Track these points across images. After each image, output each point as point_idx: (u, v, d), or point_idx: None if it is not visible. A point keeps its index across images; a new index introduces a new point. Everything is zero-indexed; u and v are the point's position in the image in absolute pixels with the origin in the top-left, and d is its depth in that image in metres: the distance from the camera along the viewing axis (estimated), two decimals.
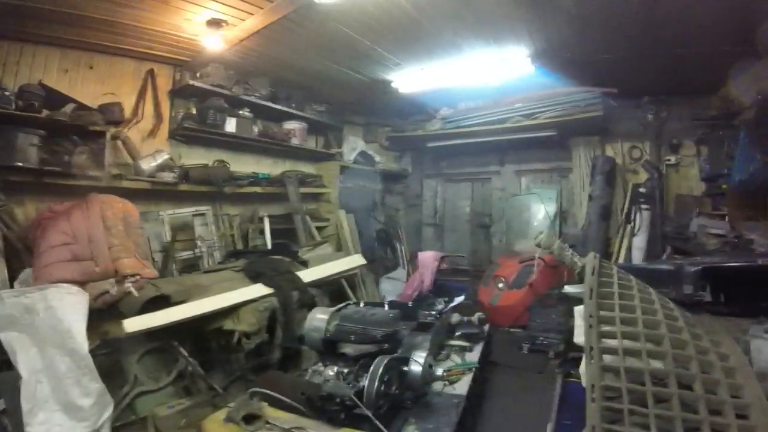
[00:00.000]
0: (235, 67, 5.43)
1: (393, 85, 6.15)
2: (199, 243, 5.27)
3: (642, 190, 6.39)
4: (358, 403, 2.52)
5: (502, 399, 4.18)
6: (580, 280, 2.32)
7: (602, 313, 1.62)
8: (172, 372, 4.02)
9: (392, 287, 6.92)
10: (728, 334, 1.56)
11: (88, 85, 4.62)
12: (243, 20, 4.12)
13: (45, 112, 3.98)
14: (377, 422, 2.41)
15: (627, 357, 1.48)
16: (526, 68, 5.39)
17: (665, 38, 4.60)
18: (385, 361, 2.79)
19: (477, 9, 4.17)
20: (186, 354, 4.00)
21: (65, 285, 3.49)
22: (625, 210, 6.45)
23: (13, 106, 3.76)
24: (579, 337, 1.86)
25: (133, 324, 3.62)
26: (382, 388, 2.69)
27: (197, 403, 3.88)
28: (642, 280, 2.00)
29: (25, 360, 3.28)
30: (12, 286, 3.69)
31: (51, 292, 3.37)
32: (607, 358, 1.51)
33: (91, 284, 3.72)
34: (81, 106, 4.29)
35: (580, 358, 2.71)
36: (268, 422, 2.24)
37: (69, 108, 4.17)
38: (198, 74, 5.19)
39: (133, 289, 3.83)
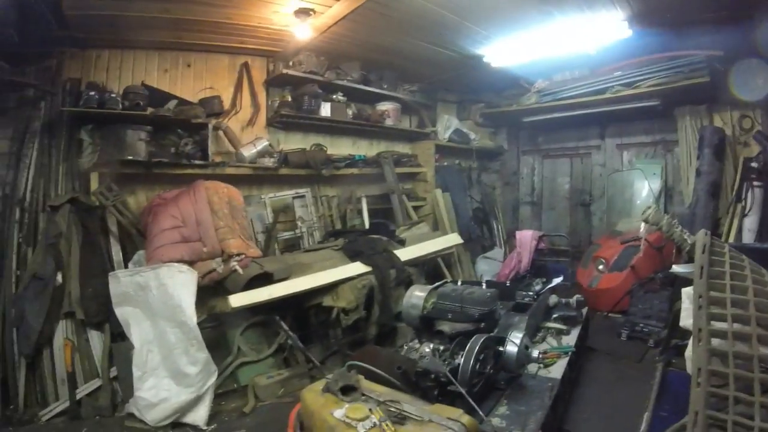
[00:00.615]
0: (326, 53, 5.55)
1: (485, 59, 5.99)
2: (299, 224, 5.53)
3: (754, 164, 5.66)
4: (453, 380, 2.53)
5: (596, 387, 3.97)
6: (690, 260, 2.20)
7: (712, 293, 1.52)
8: (273, 345, 4.33)
9: (489, 267, 6.86)
10: None
11: (187, 82, 4.99)
12: (330, 7, 4.20)
13: (150, 110, 4.33)
14: (470, 400, 2.42)
15: (736, 342, 1.40)
16: (623, 33, 5.02)
17: None
18: (482, 340, 2.79)
19: None
20: (287, 328, 4.26)
21: (176, 264, 3.84)
22: (736, 187, 5.78)
23: (120, 107, 4.13)
24: (686, 320, 1.76)
25: (239, 300, 3.92)
26: (477, 366, 2.70)
27: (295, 374, 4.18)
28: (756, 260, 1.86)
29: (138, 332, 3.71)
30: (126, 267, 4.10)
31: (163, 271, 3.74)
32: (716, 342, 1.43)
33: (200, 263, 4.05)
34: (182, 102, 4.64)
35: (683, 346, 2.58)
36: (363, 394, 2.31)
37: (172, 104, 4.52)
38: (291, 63, 5.36)
39: (238, 268, 4.12)
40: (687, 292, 1.82)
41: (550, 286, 4.49)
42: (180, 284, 3.70)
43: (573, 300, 4.34)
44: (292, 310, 4.41)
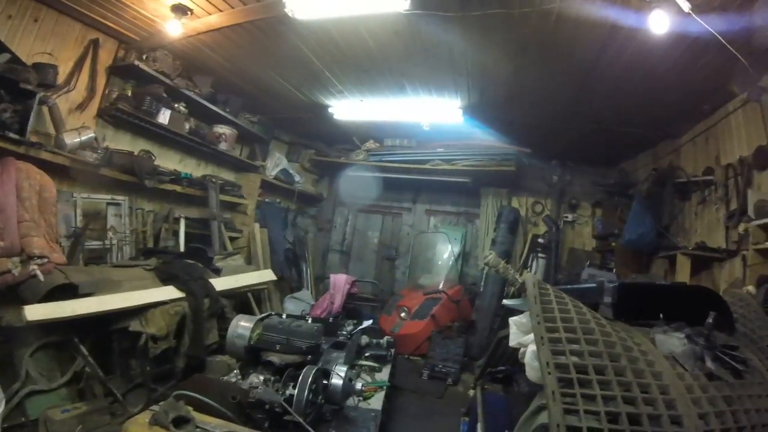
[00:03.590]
0: (183, 59, 5.31)
1: (330, 110, 6.34)
2: (110, 234, 4.96)
3: (540, 240, 7.26)
4: (289, 409, 2.57)
5: (407, 420, 4.41)
6: (518, 295, 2.68)
7: (545, 315, 1.93)
8: (68, 372, 3.69)
9: (295, 307, 6.89)
10: (642, 334, 1.99)
11: (27, 38, 4.24)
12: (209, 14, 4.12)
13: None
14: (309, 428, 2.48)
15: (568, 344, 1.79)
16: (456, 118, 5.90)
17: (582, 113, 5.29)
18: (313, 372, 2.88)
19: (431, 59, 4.53)
20: (86, 353, 3.71)
21: None
22: (524, 257, 7.20)
23: None
24: (515, 341, 2.16)
25: (36, 312, 3.30)
26: (310, 396, 2.78)
27: (95, 408, 3.59)
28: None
29: None
30: None
31: None
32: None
33: None
34: (15, 59, 3.92)
35: (499, 371, 3.05)
36: (198, 426, 2.19)
37: (3, 58, 3.80)
38: (144, 56, 4.98)
39: (39, 273, 3.51)
40: (514, 320, 2.23)
41: (361, 327, 4.76)
42: None
43: (384, 341, 4.70)
44: (92, 332, 3.85)
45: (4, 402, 3.00)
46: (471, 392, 3.78)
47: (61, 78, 4.48)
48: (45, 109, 4.29)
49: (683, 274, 4.41)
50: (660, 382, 1.65)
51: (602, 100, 4.90)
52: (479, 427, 2.57)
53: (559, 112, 5.41)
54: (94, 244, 4.83)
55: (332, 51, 4.59)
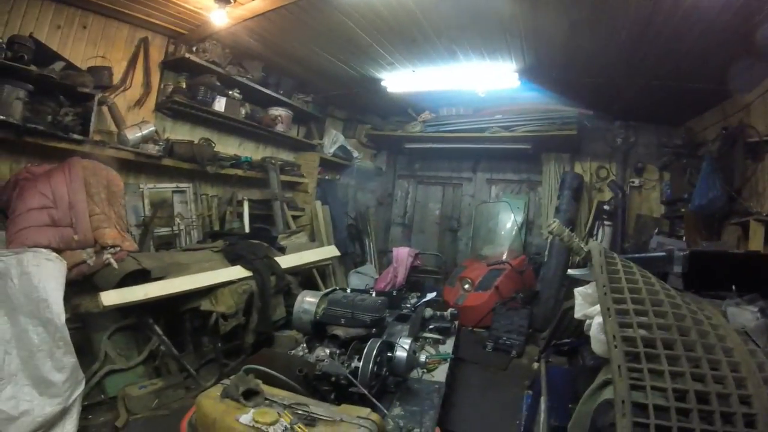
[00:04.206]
0: (231, 47, 5.39)
1: (383, 83, 6.25)
2: (177, 220, 5.20)
3: (606, 207, 6.86)
4: (355, 381, 2.59)
5: (470, 392, 4.42)
6: (583, 265, 2.58)
7: (613, 284, 1.84)
8: (144, 351, 3.93)
9: (360, 281, 7.00)
10: (713, 306, 1.86)
11: (79, 45, 4.44)
12: (252, 0, 4.12)
13: (33, 68, 3.72)
14: (373, 399, 2.49)
15: (636, 316, 1.69)
16: (513, 82, 5.65)
17: (642, 68, 4.92)
18: (378, 344, 2.88)
19: (481, 22, 4.35)
20: (161, 333, 3.93)
21: (43, 250, 3.31)
22: (589, 225, 6.86)
23: (2, 56, 3.51)
24: (580, 312, 2.08)
25: (112, 297, 3.51)
26: (375, 369, 2.78)
27: (169, 384, 3.85)
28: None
29: None
30: None
31: (27, 257, 3.17)
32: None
33: (68, 252, 3.54)
34: (70, 66, 4.09)
35: (564, 344, 2.96)
36: (267, 398, 2.24)
37: (58, 66, 3.94)
38: (194, 49, 5.11)
39: (113, 261, 3.71)
40: (579, 291, 2.14)
41: (424, 300, 4.75)
42: (47, 274, 3.17)
43: (447, 313, 4.64)
44: (165, 313, 4.08)
45: (84, 382, 3.20)
46: (535, 365, 3.72)
47: (116, 78, 4.68)
48: (105, 108, 4.51)
49: (756, 241, 4.08)
50: (731, 358, 1.54)
51: (662, 54, 4.54)
52: (542, 400, 2.52)
53: (619, 68, 5.06)
54: (163, 230, 5.09)
55: (377, 23, 4.50)
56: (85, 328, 3.72)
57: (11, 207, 3.56)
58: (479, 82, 5.84)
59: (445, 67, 5.58)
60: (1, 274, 3.11)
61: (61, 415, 3.04)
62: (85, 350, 3.58)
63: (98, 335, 3.74)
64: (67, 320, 3.22)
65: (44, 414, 2.96)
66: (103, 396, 3.65)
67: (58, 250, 3.48)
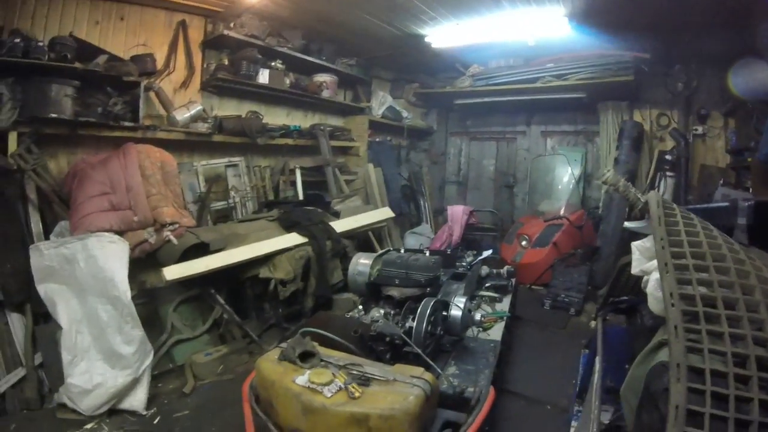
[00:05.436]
0: (269, 18, 5.36)
1: (426, 39, 6.08)
2: (232, 193, 5.34)
3: (668, 157, 6.39)
4: (408, 341, 2.61)
5: (527, 350, 4.38)
6: (640, 218, 2.45)
7: (671, 238, 1.73)
8: (208, 320, 4.16)
9: (416, 242, 7.01)
10: None
11: (119, 36, 4.55)
12: None
13: (77, 64, 3.86)
14: (427, 359, 2.50)
15: (696, 272, 1.59)
16: (562, 28, 5.35)
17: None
18: (431, 303, 2.88)
19: None
20: (223, 302, 4.12)
21: (106, 234, 3.53)
22: (650, 176, 6.47)
23: (46, 58, 3.62)
24: (637, 268, 1.97)
25: (174, 272, 3.69)
26: (429, 328, 2.79)
27: (233, 350, 4.06)
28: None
29: (66, 311, 3.33)
30: (47, 239, 3.62)
31: (92, 242, 3.40)
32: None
33: (130, 233, 3.76)
34: (113, 57, 4.21)
35: (621, 302, 2.86)
36: (322, 360, 2.30)
37: (102, 59, 4.06)
38: (232, 25, 5.12)
39: (172, 237, 3.89)
40: (636, 245, 2.02)
41: (481, 257, 4.70)
42: (111, 256, 3.40)
43: (504, 271, 4.59)
44: (226, 283, 4.26)
45: (152, 353, 3.43)
46: (592, 323, 3.61)
47: (159, 63, 4.76)
48: (152, 94, 4.63)
49: None
50: None
51: None
52: (597, 360, 2.44)
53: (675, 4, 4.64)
54: (219, 204, 5.25)
55: None
56: (151, 302, 3.96)
57: (72, 197, 3.75)
58: (528, 31, 5.55)
59: (490, 17, 5.32)
60: (68, 259, 3.38)
61: (133, 384, 3.28)
62: (153, 323, 3.83)
63: (164, 308, 3.97)
64: (134, 296, 3.43)
65: (116, 385, 3.21)
66: (171, 365, 3.90)
67: (120, 232, 3.70)
